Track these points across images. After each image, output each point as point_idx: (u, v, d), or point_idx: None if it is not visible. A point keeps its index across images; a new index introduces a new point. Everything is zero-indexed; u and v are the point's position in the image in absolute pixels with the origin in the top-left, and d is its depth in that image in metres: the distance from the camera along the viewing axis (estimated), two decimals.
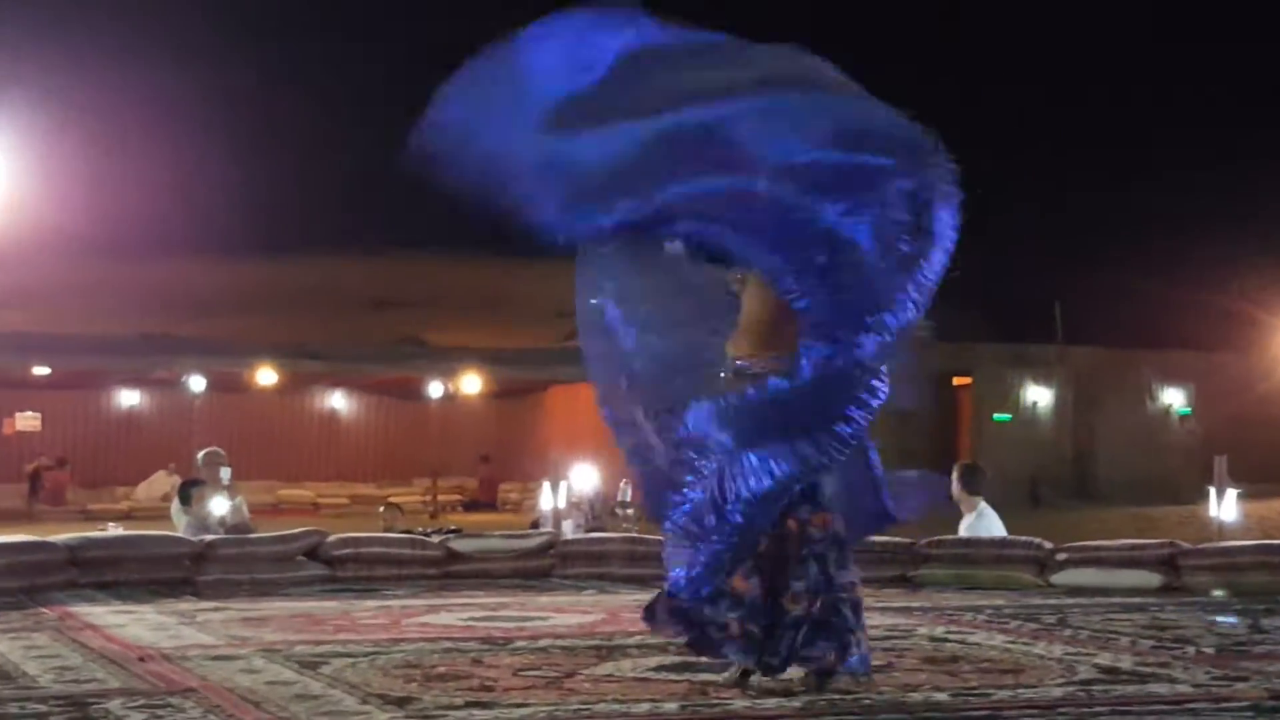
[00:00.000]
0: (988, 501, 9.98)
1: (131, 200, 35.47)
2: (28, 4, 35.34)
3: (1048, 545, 9.32)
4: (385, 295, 38.43)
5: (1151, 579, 8.84)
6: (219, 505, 10.88)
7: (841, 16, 41.77)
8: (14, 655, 5.95)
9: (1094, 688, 5.13)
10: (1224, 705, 4.75)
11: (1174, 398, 32.48)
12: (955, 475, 10.13)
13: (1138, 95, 43.75)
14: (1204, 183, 41.52)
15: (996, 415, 31.91)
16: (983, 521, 9.91)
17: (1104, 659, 5.82)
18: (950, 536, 9.73)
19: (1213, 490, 15.22)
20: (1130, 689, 5.12)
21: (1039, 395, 32.16)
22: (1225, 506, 12.95)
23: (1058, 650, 6.06)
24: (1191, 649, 6.13)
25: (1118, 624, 7.04)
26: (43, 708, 4.70)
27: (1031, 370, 32.81)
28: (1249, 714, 4.57)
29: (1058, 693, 5.03)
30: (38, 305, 32.22)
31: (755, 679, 5.10)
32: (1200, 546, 9.36)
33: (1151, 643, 6.34)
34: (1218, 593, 7.27)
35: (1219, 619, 6.19)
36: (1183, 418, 32.33)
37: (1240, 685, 5.15)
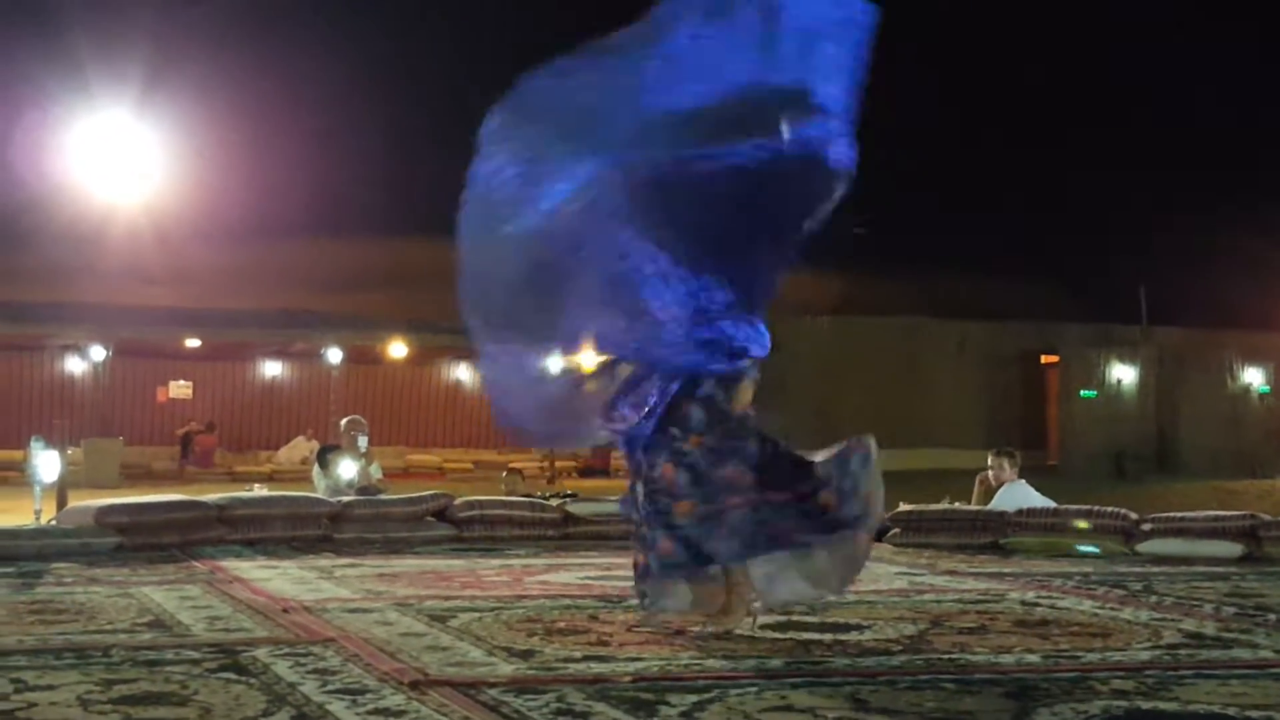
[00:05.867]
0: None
1: (273, 186, 35.95)
2: (181, 3, 35.89)
3: (1133, 516, 9.16)
4: None
5: (1233, 549, 8.68)
6: (347, 469, 11.01)
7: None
8: (169, 605, 6.06)
9: (1179, 652, 5.05)
10: None
11: (1254, 376, 31.85)
12: (1003, 462, 10.49)
13: (1220, 76, 42.69)
14: None
15: (1083, 392, 31.48)
16: (1018, 489, 10.17)
17: (1188, 625, 5.72)
18: (1040, 506, 9.60)
19: None
20: (1214, 654, 5.02)
21: (1124, 373, 31.65)
22: None
23: (1144, 616, 5.97)
24: (1273, 616, 6.00)
25: (1201, 591, 6.92)
26: (196, 654, 4.78)
27: (1117, 349, 32.34)
28: None
29: (1145, 656, 4.95)
30: (190, 283, 32.76)
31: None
32: None
33: (1234, 610, 6.22)
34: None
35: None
36: (1263, 396, 31.71)
37: None
